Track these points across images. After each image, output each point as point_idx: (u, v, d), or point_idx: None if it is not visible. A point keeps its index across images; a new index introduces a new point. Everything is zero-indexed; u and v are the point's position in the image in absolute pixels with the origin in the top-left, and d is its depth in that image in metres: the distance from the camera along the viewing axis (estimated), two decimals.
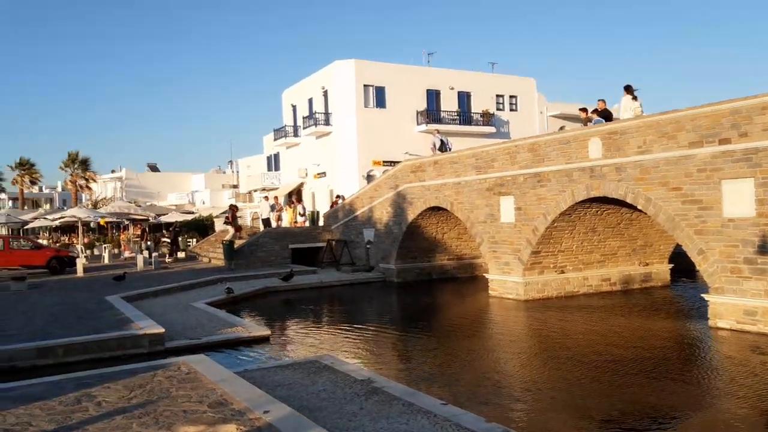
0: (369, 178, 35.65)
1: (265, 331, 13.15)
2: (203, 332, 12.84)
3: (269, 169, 48.27)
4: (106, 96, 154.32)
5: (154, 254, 28.22)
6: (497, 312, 16.37)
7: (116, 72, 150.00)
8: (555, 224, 16.41)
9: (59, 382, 7.97)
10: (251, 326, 13.50)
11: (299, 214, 30.05)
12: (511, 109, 41.55)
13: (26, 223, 48.24)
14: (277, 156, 46.79)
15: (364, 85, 36.31)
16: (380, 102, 36.70)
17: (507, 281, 17.78)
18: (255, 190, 49.74)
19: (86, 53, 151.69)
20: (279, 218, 29.43)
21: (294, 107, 42.58)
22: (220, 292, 19.33)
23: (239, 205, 49.16)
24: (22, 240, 28.64)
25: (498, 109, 40.83)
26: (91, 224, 39.27)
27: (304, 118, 39.77)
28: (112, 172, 72.12)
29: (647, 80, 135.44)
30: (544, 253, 17.11)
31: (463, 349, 11.92)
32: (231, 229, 28.25)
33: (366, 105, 36.25)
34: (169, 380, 7.74)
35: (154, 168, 76.81)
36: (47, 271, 25.57)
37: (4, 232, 49.86)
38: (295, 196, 40.01)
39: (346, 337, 13.47)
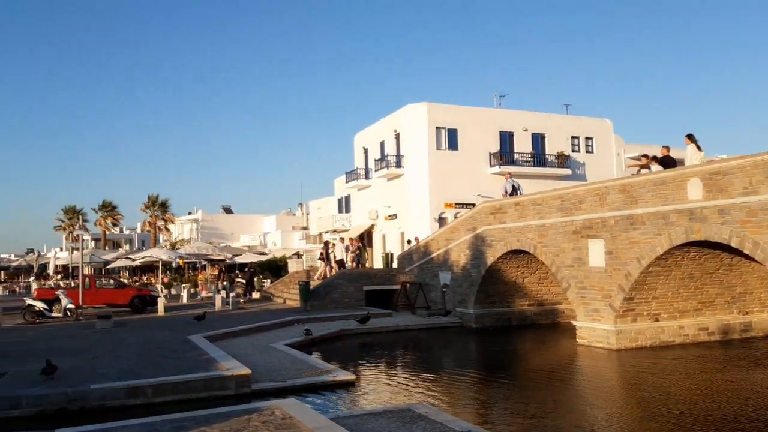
0: (441, 220, 35.28)
1: (350, 376, 12.79)
2: (288, 375, 12.60)
3: (340, 211, 48.61)
4: (182, 141, 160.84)
5: (231, 294, 28.45)
6: (587, 361, 15.50)
7: (191, 121, 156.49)
8: (649, 269, 15.53)
9: (154, 424, 7.82)
10: (335, 370, 13.16)
11: (347, 250, 29.72)
12: (587, 151, 40.58)
13: (108, 262, 50.02)
14: (348, 198, 47.09)
15: (436, 128, 36.25)
16: (452, 144, 36.52)
17: (596, 329, 16.89)
18: (326, 232, 50.06)
19: (166, 103, 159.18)
20: (354, 260, 29.32)
21: (365, 150, 42.92)
22: (297, 333, 19.24)
23: (313, 247, 49.71)
24: (106, 279, 29.46)
25: (573, 151, 39.95)
26: (173, 264, 40.19)
27: (375, 160, 39.96)
28: (189, 214, 74.39)
29: (729, 122, 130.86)
30: (638, 299, 16.19)
31: (555, 401, 11.21)
32: (321, 265, 28.54)
33: (438, 147, 36.13)
34: (265, 425, 7.46)
35: (227, 210, 78.86)
36: (130, 309, 26.13)
37: (87, 271, 51.75)
38: (365, 238, 40.01)
39: (431, 384, 12.95)
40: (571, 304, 19.06)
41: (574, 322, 18.14)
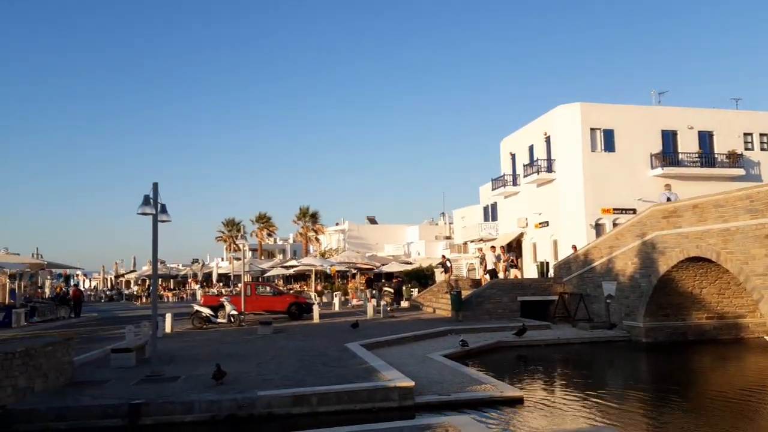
0: (597, 227, 33.20)
1: (517, 392, 11.88)
2: (450, 388, 11.94)
3: (486, 220, 47.45)
4: (328, 154, 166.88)
5: (381, 303, 28.45)
6: None
7: (335, 134, 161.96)
8: None
9: None
10: (501, 385, 12.30)
11: (498, 259, 28.62)
12: (762, 149, 36.47)
13: (265, 271, 52.49)
14: (494, 206, 45.85)
15: (591, 129, 34.21)
16: (609, 146, 34.27)
17: None
18: (471, 241, 49.13)
19: (311, 118, 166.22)
20: (506, 269, 28.24)
21: (513, 155, 41.58)
22: (452, 343, 18.67)
23: (454, 255, 49.02)
24: (266, 287, 30.64)
25: (746, 149, 36.06)
26: (327, 272, 41.29)
27: (524, 165, 38.52)
28: (336, 224, 76.56)
29: None
30: None
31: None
32: (444, 277, 28.16)
33: (593, 149, 34.05)
34: None
35: (372, 221, 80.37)
36: (287, 316, 26.85)
37: (247, 279, 54.69)
38: (514, 247, 38.64)
39: (604, 404, 11.72)
40: (760, 318, 16.77)
41: (767, 338, 15.89)
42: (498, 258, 28.43)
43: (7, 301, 30.60)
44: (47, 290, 46.64)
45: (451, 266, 30.06)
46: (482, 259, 29.48)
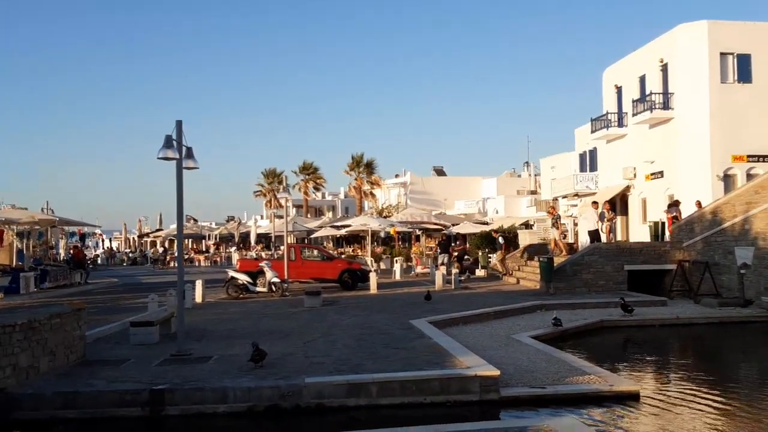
0: (726, 178, 31.69)
1: (632, 386, 11.23)
2: (545, 379, 11.38)
3: (582, 170, 46.03)
4: (385, 95, 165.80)
5: (453, 271, 28.12)
6: None
7: (394, 70, 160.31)
8: None
9: None
10: (610, 376, 11.65)
11: (600, 218, 27.53)
12: None
13: (312, 231, 52.80)
14: (593, 153, 44.39)
15: (721, 54, 32.32)
16: (743, 75, 32.35)
17: None
18: (563, 196, 47.85)
19: (364, 52, 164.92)
20: (610, 230, 27.30)
21: (618, 89, 39.88)
22: (542, 322, 18.25)
23: (539, 215, 47.98)
24: (313, 250, 30.67)
25: None
26: (383, 234, 41.12)
27: (633, 101, 36.88)
28: (396, 176, 76.26)
29: None
30: None
31: None
32: (555, 233, 27.45)
33: (723, 80, 32.21)
34: None
35: (440, 172, 79.60)
36: (339, 285, 26.96)
37: (290, 240, 55.14)
38: (617, 203, 37.34)
39: (744, 403, 10.93)
40: None
41: None
42: (601, 216, 27.44)
43: (14, 264, 31.58)
44: (61, 251, 48.18)
45: (559, 222, 28.99)
46: (556, 220, 28.63)
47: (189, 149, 13.10)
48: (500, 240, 33.10)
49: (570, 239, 41.06)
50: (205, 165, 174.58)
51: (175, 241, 71.83)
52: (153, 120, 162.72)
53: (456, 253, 35.04)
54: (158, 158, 12.06)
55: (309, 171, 68.51)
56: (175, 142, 12.37)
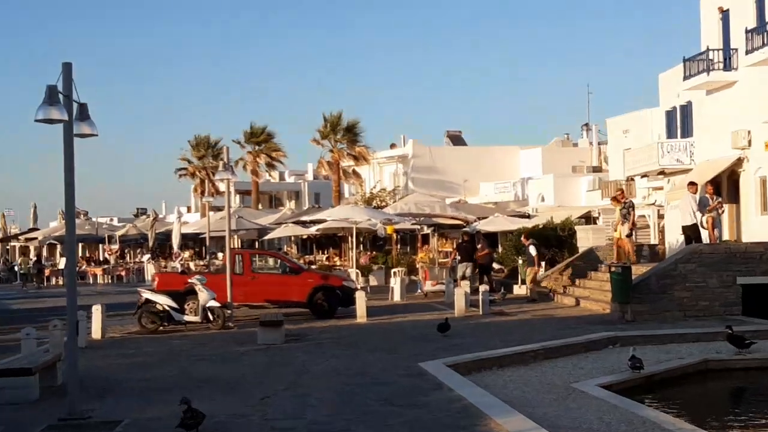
0: None
1: None
2: None
3: (670, 135, 46.08)
4: (380, 34, 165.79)
5: (481, 289, 28.31)
6: None
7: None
8: None
9: None
10: None
11: (700, 205, 27.67)
12: None
13: (265, 230, 52.67)
14: (686, 110, 44.49)
15: None
16: None
17: None
18: (642, 175, 47.91)
19: None
20: (714, 225, 27.39)
21: (724, 14, 39.93)
22: (615, 363, 18.38)
23: (604, 202, 47.95)
24: (270, 258, 30.57)
25: None
26: (379, 233, 40.97)
27: (748, 31, 36.93)
28: (391, 147, 76.20)
29: None
30: None
31: None
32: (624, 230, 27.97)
33: None
34: None
35: (457, 139, 79.72)
36: (309, 310, 27.11)
37: (235, 244, 55.02)
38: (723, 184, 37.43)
39: None
40: None
41: None
42: (702, 204, 27.51)
43: None
44: None
45: (633, 213, 29.31)
46: (629, 209, 28.63)
47: (83, 107, 12.94)
48: (532, 249, 32.84)
49: (652, 238, 41.20)
50: (105, 134, 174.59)
51: (58, 246, 72.25)
52: (25, 72, 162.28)
53: (482, 262, 35.00)
54: (37, 120, 11.89)
55: (259, 139, 68.45)
56: (61, 97, 12.21)
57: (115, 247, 66.93)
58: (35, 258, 64.95)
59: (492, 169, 70.86)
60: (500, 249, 43.87)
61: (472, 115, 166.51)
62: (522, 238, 35.86)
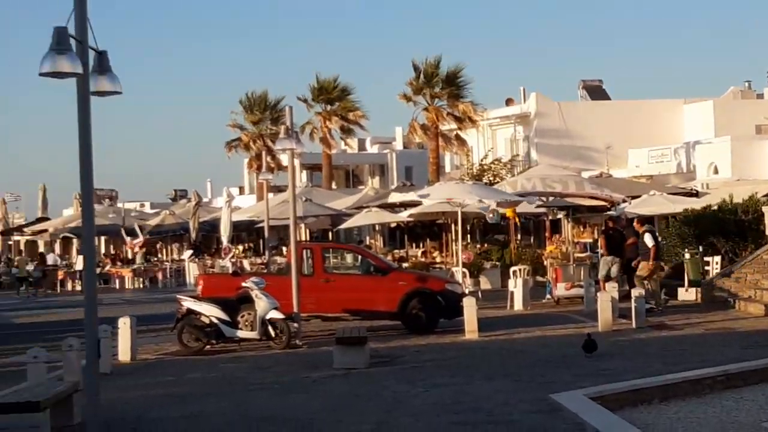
0: None
1: None
2: None
3: None
4: None
5: (634, 294, 27.71)
6: None
7: None
8: None
9: None
10: None
11: None
12: None
13: (340, 217, 52.68)
14: None
15: None
16: None
17: None
18: None
19: None
20: None
21: None
22: None
23: None
24: (349, 254, 30.51)
25: None
26: (490, 218, 40.71)
27: None
28: (507, 104, 75.60)
29: None
30: None
31: None
32: None
33: None
34: None
35: (596, 92, 78.79)
36: (401, 322, 27.20)
37: (302, 235, 55.02)
38: None
39: None
40: None
41: None
42: None
43: None
44: None
45: None
46: None
47: (102, 56, 12.89)
48: (647, 239, 32.24)
49: None
50: (130, 96, 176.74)
51: (75, 241, 72.73)
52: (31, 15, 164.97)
53: (628, 255, 34.52)
54: (42, 74, 11.88)
55: (331, 96, 68.31)
56: (74, 42, 12.17)
57: (138, 240, 66.45)
58: (38, 257, 65.41)
59: (645, 130, 69.94)
60: (657, 239, 43.22)
61: (616, 60, 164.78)
62: (635, 223, 35.21)
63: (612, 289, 29.11)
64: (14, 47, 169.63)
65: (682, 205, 43.58)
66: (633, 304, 27.00)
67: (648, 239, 32.38)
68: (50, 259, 65.06)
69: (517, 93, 76.47)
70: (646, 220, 40.14)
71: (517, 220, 45.65)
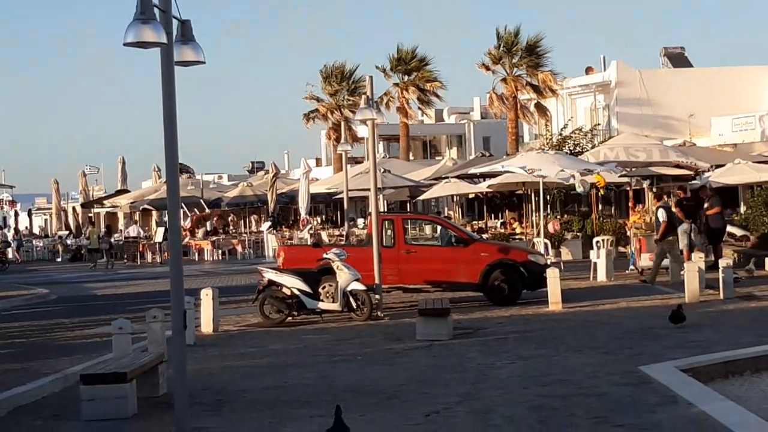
0: None
1: None
2: None
3: None
4: None
5: (721, 264, 27.75)
6: None
7: None
8: None
9: None
10: None
11: None
12: None
13: (418, 188, 52.58)
14: None
15: None
16: None
17: None
18: None
19: None
20: None
21: None
22: None
23: None
24: (428, 225, 30.43)
25: None
26: (579, 188, 40.43)
27: None
28: (587, 72, 74.99)
29: None
30: None
31: None
32: None
33: None
34: None
35: (679, 59, 77.98)
36: (482, 295, 27.24)
37: (381, 206, 54.91)
38: None
39: None
40: None
41: None
42: None
43: None
44: None
45: None
46: None
47: (185, 25, 12.87)
48: (660, 214, 31.72)
49: None
50: (213, 69, 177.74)
51: (153, 213, 73.37)
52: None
53: (713, 225, 34.19)
54: (126, 44, 11.89)
55: (409, 66, 68.18)
56: (157, 12, 12.16)
57: (206, 211, 67.83)
58: (105, 228, 65.89)
59: (729, 98, 69.15)
60: (743, 208, 42.77)
61: (699, 27, 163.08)
62: (653, 199, 34.83)
63: (699, 260, 28.80)
64: (91, 20, 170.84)
65: (767, 174, 43.12)
66: (720, 275, 26.82)
67: (661, 215, 32.13)
68: (132, 230, 65.54)
69: (598, 61, 76.00)
70: (730, 189, 39.76)
71: (603, 190, 45.36)
